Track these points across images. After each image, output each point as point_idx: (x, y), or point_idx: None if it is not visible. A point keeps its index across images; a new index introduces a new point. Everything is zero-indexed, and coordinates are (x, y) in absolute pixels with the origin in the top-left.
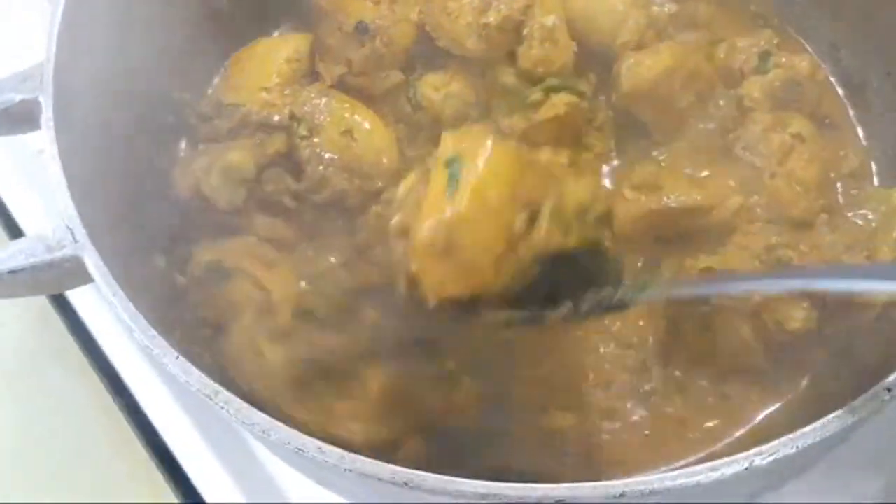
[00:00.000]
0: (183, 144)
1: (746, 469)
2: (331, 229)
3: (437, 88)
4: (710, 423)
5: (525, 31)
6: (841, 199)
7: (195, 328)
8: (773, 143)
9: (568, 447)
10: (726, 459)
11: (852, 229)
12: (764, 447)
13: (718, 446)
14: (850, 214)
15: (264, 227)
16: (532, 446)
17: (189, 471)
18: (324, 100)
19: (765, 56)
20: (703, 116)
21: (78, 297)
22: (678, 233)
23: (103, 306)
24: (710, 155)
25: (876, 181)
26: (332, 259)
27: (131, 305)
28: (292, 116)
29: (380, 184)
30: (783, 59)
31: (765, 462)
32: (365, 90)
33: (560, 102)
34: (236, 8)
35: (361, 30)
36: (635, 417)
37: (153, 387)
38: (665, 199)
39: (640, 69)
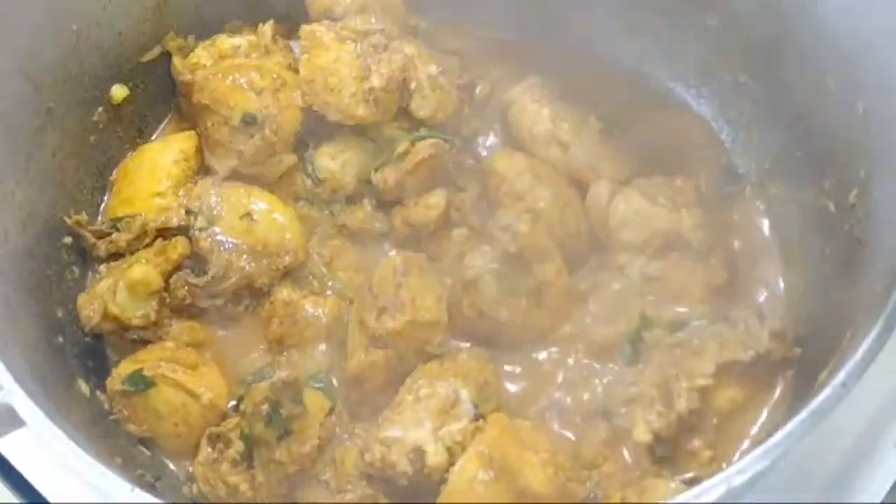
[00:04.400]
0: (86, 267)
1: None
2: (249, 321)
3: (334, 157)
4: None
5: (413, 86)
6: None
7: (131, 450)
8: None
9: None
10: (705, 484)
11: None
12: (741, 464)
13: None
14: None
15: (183, 332)
16: None
17: None
18: (217, 189)
19: None
20: None
21: None
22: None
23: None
24: None
25: None
26: (255, 354)
27: (73, 445)
28: (188, 211)
29: (287, 260)
30: None
31: (745, 479)
32: (260, 177)
33: (424, 147)
34: (112, 118)
35: (249, 121)
36: None
37: None
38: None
39: None
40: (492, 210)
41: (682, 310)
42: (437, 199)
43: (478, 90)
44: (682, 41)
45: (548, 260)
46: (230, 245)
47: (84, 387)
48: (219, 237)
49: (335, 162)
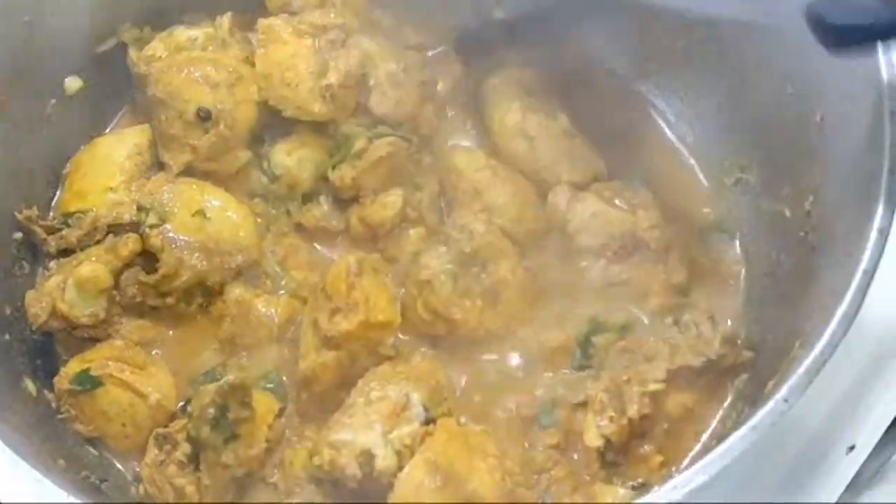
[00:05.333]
0: (36, 263)
1: None
2: (201, 320)
3: (290, 153)
4: None
5: (371, 82)
6: None
7: (78, 451)
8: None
9: None
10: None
11: None
12: (676, 480)
13: None
14: None
15: (133, 331)
16: None
17: None
18: (170, 186)
19: None
20: None
21: None
22: None
23: None
24: None
25: None
26: (206, 354)
27: (10, 451)
28: (140, 208)
29: (240, 259)
30: None
31: (681, 495)
32: (214, 173)
33: (382, 145)
34: (64, 110)
35: (203, 116)
36: None
37: None
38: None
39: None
40: (449, 209)
41: (634, 311)
42: (393, 198)
43: (439, 87)
44: (644, 42)
45: (504, 258)
46: (182, 243)
47: (31, 386)
48: (170, 234)
49: (291, 158)
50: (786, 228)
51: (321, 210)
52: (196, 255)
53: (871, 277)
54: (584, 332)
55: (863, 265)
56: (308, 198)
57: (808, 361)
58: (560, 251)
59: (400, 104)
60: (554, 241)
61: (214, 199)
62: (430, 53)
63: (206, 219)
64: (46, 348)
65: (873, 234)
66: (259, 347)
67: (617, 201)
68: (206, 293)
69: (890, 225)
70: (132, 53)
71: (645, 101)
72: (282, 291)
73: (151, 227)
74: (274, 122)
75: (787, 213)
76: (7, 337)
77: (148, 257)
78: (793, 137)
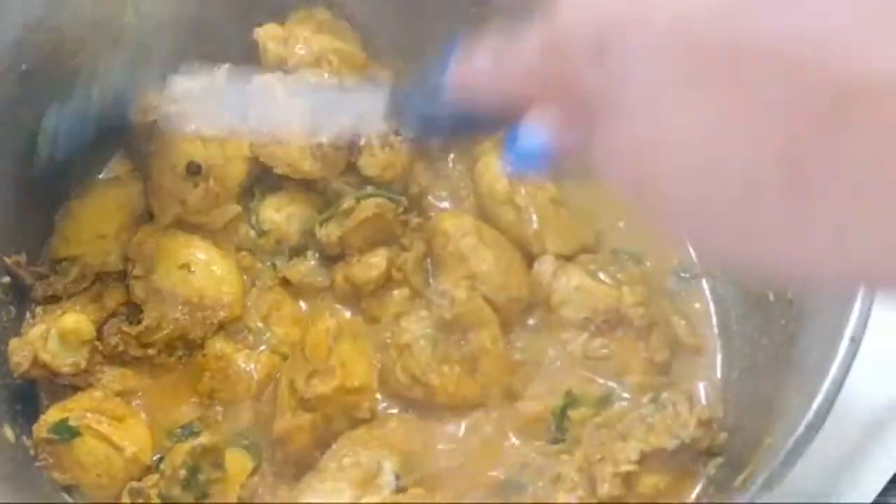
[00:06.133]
0: (23, 307)
1: None
2: (182, 372)
3: (279, 209)
4: None
5: (362, 142)
6: None
7: (54, 498)
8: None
9: None
10: None
11: None
12: None
13: None
14: None
15: (114, 380)
16: None
17: None
18: (157, 238)
19: None
20: None
21: None
22: None
23: None
24: None
25: None
26: (185, 406)
27: None
28: (126, 258)
29: (223, 314)
30: None
31: None
32: (202, 226)
33: (368, 206)
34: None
35: (193, 170)
36: None
37: None
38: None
39: None
40: (436, 270)
41: (612, 385)
42: (378, 259)
43: (431, 143)
44: None
45: (484, 327)
46: (166, 295)
47: (10, 432)
48: (155, 286)
49: (280, 214)
50: (768, 313)
51: (307, 266)
52: (179, 308)
53: (840, 388)
54: (561, 406)
55: (831, 375)
56: (295, 252)
57: (772, 466)
58: (542, 322)
59: (389, 166)
60: (537, 312)
61: (200, 253)
62: None
63: (190, 272)
64: (27, 393)
65: (844, 343)
66: (237, 402)
67: (601, 275)
68: (187, 346)
69: (862, 335)
70: None
71: None
72: (263, 347)
73: (136, 278)
74: (264, 177)
75: (771, 298)
76: None
77: (132, 307)
78: None
